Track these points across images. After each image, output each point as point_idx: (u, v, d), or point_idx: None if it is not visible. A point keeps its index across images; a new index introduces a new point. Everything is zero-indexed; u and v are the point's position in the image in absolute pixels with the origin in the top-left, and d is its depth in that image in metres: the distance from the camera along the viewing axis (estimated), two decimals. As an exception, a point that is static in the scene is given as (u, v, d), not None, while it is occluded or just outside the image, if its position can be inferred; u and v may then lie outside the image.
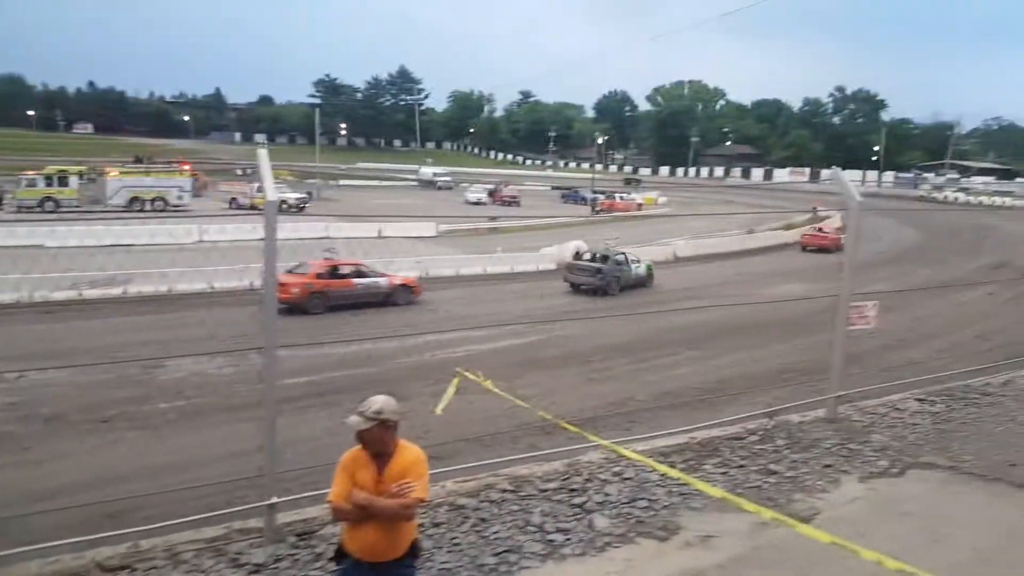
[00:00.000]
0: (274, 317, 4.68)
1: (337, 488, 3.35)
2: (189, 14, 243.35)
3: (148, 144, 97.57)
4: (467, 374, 6.69)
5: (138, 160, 61.86)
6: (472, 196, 58.12)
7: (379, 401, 3.31)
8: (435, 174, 78.77)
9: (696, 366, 13.16)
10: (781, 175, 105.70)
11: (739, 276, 23.90)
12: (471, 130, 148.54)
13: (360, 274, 19.28)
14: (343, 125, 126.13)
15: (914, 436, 6.66)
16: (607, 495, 5.40)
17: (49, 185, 40.32)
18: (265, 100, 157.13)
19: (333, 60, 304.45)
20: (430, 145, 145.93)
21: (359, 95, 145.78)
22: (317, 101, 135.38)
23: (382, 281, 19.39)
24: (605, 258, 22.06)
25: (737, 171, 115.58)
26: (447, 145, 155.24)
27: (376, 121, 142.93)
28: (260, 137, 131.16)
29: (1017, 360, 9.75)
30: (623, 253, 22.68)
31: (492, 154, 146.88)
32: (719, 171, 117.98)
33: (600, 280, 21.10)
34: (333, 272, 18.79)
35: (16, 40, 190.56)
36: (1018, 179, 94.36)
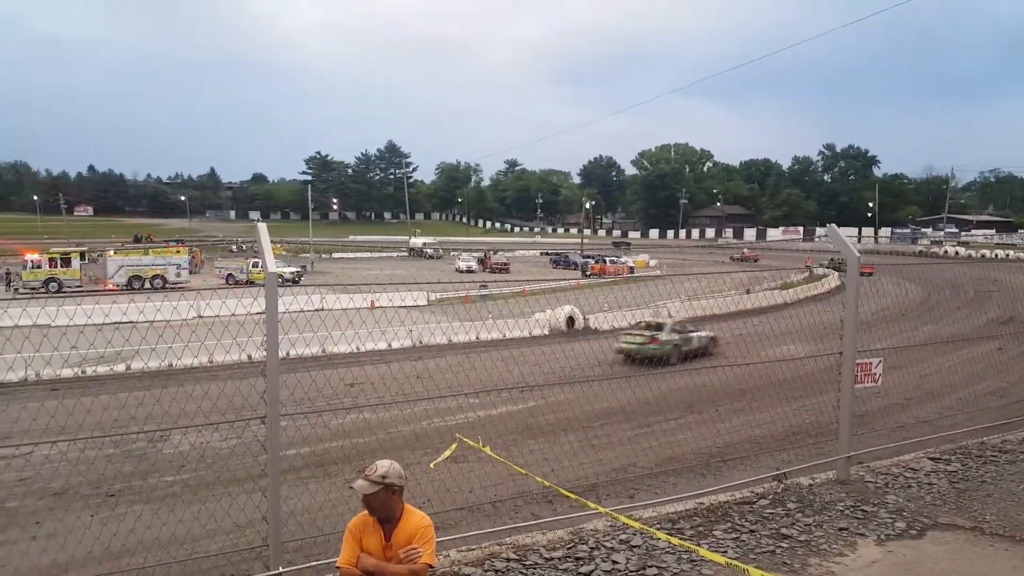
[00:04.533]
0: (276, 387, 4.65)
1: (346, 554, 3.37)
2: (184, 97, 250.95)
3: (146, 224, 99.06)
4: (467, 440, 6.60)
5: (137, 240, 62.73)
6: (463, 264, 58.82)
7: (384, 465, 3.36)
8: (424, 244, 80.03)
9: (699, 430, 12.93)
10: (774, 234, 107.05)
11: (737, 337, 23.74)
12: (459, 200, 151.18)
13: None
14: (334, 200, 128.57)
15: (931, 496, 6.47)
16: (615, 563, 5.22)
17: (53, 266, 41.22)
18: (259, 178, 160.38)
19: (324, 137, 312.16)
20: (419, 216, 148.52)
21: (349, 170, 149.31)
22: (309, 177, 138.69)
23: None
24: (660, 326, 21.30)
25: (729, 232, 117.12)
26: (436, 215, 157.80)
27: (366, 195, 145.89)
28: (254, 214, 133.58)
29: (1036, 416, 9.50)
30: (680, 322, 22.12)
31: (480, 222, 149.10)
32: (710, 232, 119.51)
33: (657, 349, 19.72)
34: None
35: (20, 129, 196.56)
36: (1020, 231, 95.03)
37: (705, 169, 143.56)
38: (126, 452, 11.91)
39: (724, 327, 26.73)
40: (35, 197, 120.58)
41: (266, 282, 4.63)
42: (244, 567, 5.62)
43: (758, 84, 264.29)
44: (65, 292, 38.62)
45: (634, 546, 5.55)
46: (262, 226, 5.17)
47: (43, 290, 39.54)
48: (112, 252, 45.70)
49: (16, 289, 40.70)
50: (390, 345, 22.70)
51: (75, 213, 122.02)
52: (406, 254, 78.23)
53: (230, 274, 46.50)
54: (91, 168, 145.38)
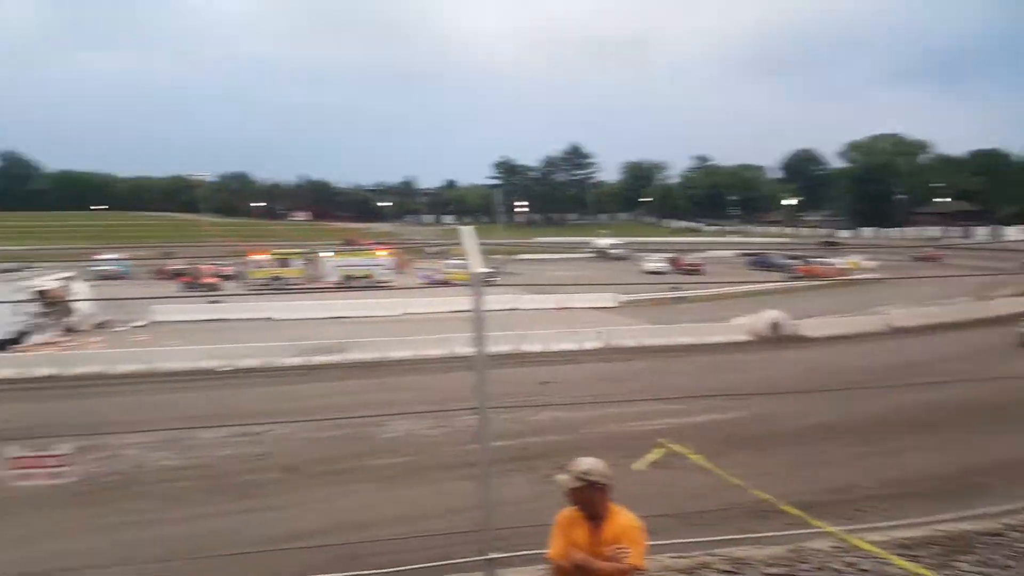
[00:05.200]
0: (486, 380, 4.93)
1: (556, 546, 3.50)
2: (383, 112, 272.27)
3: (353, 228, 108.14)
4: (673, 447, 6.55)
5: (348, 243, 68.93)
6: (651, 265, 57.30)
7: (588, 462, 3.46)
8: (610, 245, 79.35)
9: (932, 452, 11.70)
10: (1012, 233, 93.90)
11: (971, 350, 21.29)
12: (645, 199, 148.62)
13: None
14: (522, 203, 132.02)
15: None
16: (843, 588, 4.96)
17: (276, 266, 46.76)
18: (450, 184, 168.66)
19: (509, 143, 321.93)
20: (604, 216, 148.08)
21: (534, 173, 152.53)
22: (496, 182, 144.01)
23: None
24: None
25: (958, 230, 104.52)
26: (621, 215, 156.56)
27: (550, 197, 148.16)
28: (448, 218, 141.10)
29: None
30: None
31: (668, 222, 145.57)
32: (934, 231, 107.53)
33: None
34: None
35: (243, 143, 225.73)
36: None
37: (923, 161, 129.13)
38: (348, 435, 13.13)
39: (959, 337, 24.00)
40: (257, 204, 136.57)
41: (473, 282, 4.93)
42: (456, 550, 6.00)
43: (980, 67, 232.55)
44: (287, 289, 43.40)
45: (863, 570, 5.23)
46: (468, 229, 5.48)
47: (267, 288, 44.67)
48: (331, 253, 50.60)
49: (250, 288, 46.44)
50: (580, 346, 22.96)
51: (291, 218, 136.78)
52: (591, 256, 78.31)
53: (428, 274, 49.57)
54: (304, 177, 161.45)
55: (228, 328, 27.61)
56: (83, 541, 8.68)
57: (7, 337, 24.24)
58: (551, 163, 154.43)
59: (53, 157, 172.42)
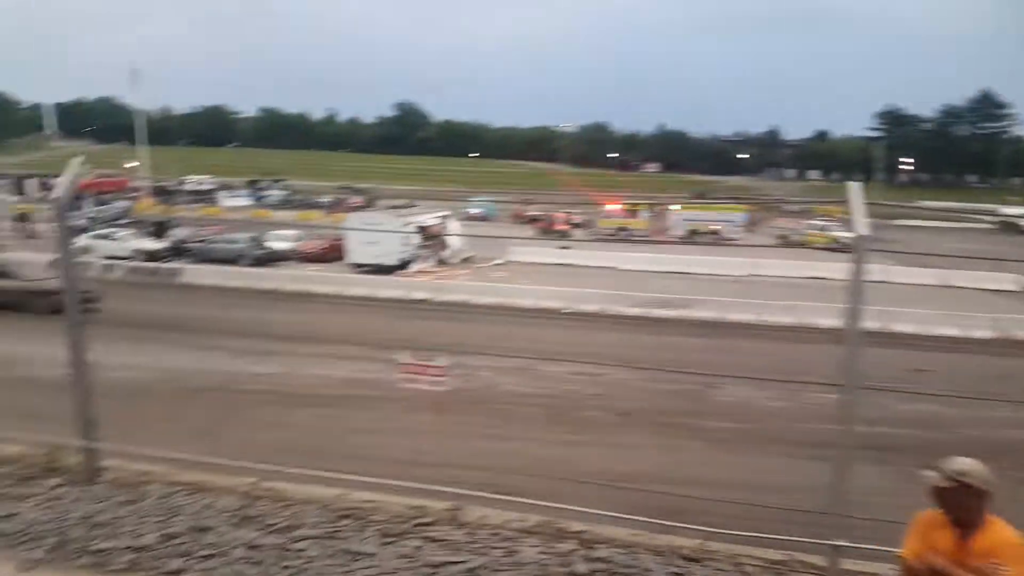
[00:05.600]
0: (857, 357, 4.63)
1: (911, 546, 3.26)
2: (753, 57, 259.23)
3: (706, 180, 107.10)
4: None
5: (700, 196, 68.76)
6: None
7: (966, 463, 3.15)
8: (1021, 214, 66.15)
9: None
10: None
11: None
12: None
13: None
14: (907, 159, 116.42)
15: None
16: None
17: (623, 217, 48.97)
18: (820, 135, 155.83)
19: (900, 91, 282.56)
20: (1019, 181, 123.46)
21: (928, 125, 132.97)
22: (877, 134, 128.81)
23: None
24: None
25: None
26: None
27: (947, 153, 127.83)
28: (814, 173, 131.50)
29: None
30: None
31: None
32: None
33: None
34: None
35: (603, 93, 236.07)
36: None
37: None
38: (682, 391, 13.48)
39: None
40: (610, 155, 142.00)
41: (856, 246, 4.59)
42: (789, 528, 5.77)
43: None
44: (632, 240, 44.98)
45: None
46: (855, 186, 5.05)
47: (613, 238, 46.84)
48: (678, 206, 51.02)
49: (597, 236, 49.18)
50: (967, 333, 20.00)
51: (644, 169, 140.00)
52: (993, 227, 66.26)
53: (783, 235, 47.00)
54: (659, 127, 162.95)
55: (574, 273, 29.79)
56: (436, 442, 10.30)
57: (395, 263, 29.44)
58: (952, 114, 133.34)
59: (440, 108, 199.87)
